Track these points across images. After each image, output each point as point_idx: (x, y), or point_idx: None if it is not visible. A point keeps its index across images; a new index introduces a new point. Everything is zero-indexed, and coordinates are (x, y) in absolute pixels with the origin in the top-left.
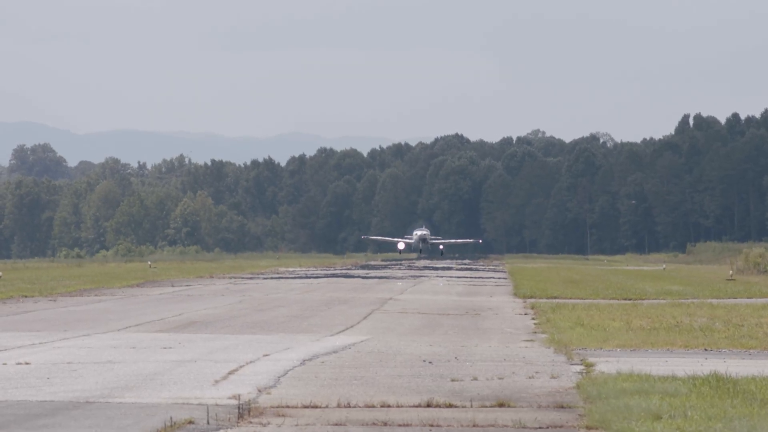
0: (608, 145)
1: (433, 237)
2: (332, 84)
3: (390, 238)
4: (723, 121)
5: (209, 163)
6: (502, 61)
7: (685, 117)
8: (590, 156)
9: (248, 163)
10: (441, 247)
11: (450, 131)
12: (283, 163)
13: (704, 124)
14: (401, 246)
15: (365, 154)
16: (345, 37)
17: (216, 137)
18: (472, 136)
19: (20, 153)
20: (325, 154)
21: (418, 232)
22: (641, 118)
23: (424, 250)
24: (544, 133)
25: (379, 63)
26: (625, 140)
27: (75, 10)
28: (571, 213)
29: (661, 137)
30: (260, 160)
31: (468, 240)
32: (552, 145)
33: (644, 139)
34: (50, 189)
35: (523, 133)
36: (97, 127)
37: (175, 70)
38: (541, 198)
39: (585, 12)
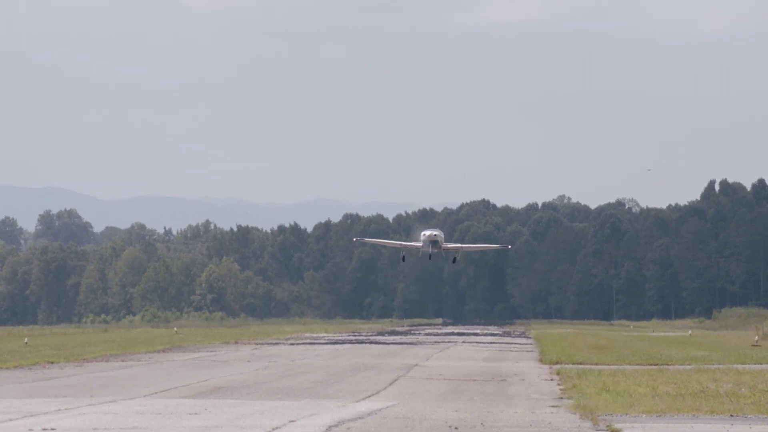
0: (634, 211)
1: (448, 242)
2: (358, 151)
3: (388, 241)
4: (749, 186)
5: (235, 229)
6: (527, 127)
7: (711, 183)
8: (616, 222)
9: (274, 228)
10: (456, 256)
11: (476, 197)
12: (309, 229)
13: (730, 189)
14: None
15: (391, 220)
16: (371, 104)
17: (242, 203)
18: (498, 202)
19: (46, 219)
20: (351, 219)
21: (427, 233)
22: (667, 184)
23: (435, 256)
24: (569, 198)
25: (406, 130)
26: (650, 206)
27: (99, 81)
28: (596, 278)
29: (687, 203)
30: (286, 225)
31: (492, 245)
32: (578, 211)
33: (670, 205)
34: (76, 255)
35: (548, 199)
36: (123, 193)
37: (200, 137)
38: (567, 264)
39: (611, 80)
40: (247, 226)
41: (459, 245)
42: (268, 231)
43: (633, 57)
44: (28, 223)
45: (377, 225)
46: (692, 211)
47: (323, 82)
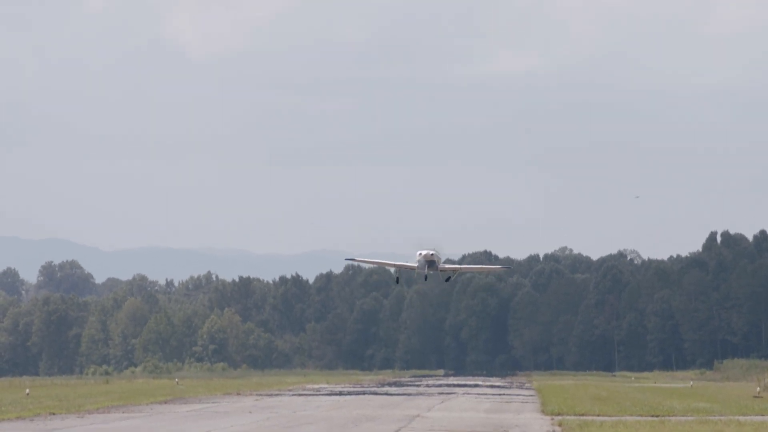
0: (635, 263)
1: (446, 261)
2: (359, 202)
3: (382, 261)
4: (750, 238)
5: (237, 280)
6: (529, 179)
7: (713, 234)
8: (617, 273)
9: (276, 279)
10: (451, 276)
11: (478, 248)
12: (310, 280)
13: (732, 241)
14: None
15: (392, 270)
16: (373, 156)
17: (243, 254)
18: (500, 253)
19: (48, 270)
20: (352, 270)
21: (423, 252)
22: (668, 236)
23: (432, 277)
24: (571, 250)
25: (407, 182)
26: (652, 257)
27: (100, 134)
28: (598, 330)
29: (688, 254)
30: (288, 276)
31: (492, 267)
32: (579, 263)
33: (671, 257)
34: (78, 306)
35: (550, 250)
36: (125, 244)
37: (202, 188)
38: (569, 315)
39: (612, 132)
40: (249, 277)
41: (457, 266)
42: (270, 282)
43: (634, 109)
44: (30, 274)
45: (379, 276)
46: (694, 262)
47: (325, 134)
